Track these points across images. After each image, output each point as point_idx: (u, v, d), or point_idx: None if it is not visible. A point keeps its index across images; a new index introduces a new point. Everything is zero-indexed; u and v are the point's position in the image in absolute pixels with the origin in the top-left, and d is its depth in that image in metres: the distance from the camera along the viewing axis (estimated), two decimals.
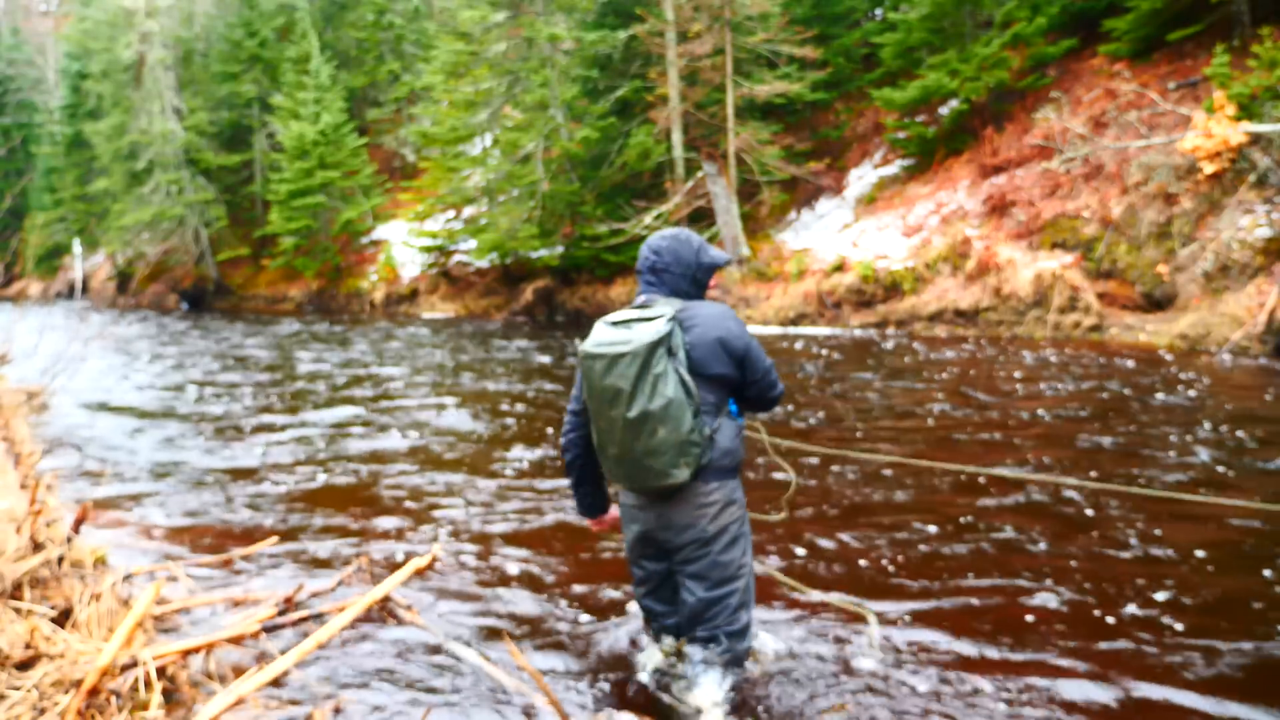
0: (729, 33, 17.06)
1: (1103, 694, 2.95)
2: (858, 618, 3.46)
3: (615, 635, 3.44)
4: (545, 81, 18.93)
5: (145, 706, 2.62)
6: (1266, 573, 3.84)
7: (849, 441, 6.58)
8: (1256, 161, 10.96)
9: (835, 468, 5.89)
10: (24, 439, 5.45)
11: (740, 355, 2.78)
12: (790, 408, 7.97)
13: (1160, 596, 3.65)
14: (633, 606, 3.55)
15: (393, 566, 4.18)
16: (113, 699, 2.58)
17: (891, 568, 4.11)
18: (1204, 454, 5.76)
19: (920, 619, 3.53)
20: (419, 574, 3.97)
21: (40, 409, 7.80)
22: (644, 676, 3.08)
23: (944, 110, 17.27)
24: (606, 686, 3.10)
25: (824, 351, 11.77)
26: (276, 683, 3.02)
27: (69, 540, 3.50)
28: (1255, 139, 11.04)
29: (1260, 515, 4.48)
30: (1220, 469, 5.45)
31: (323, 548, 4.63)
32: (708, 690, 2.80)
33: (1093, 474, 5.41)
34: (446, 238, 22.43)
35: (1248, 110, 11.25)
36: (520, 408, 8.75)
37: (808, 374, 9.88)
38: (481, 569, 4.27)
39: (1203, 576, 3.86)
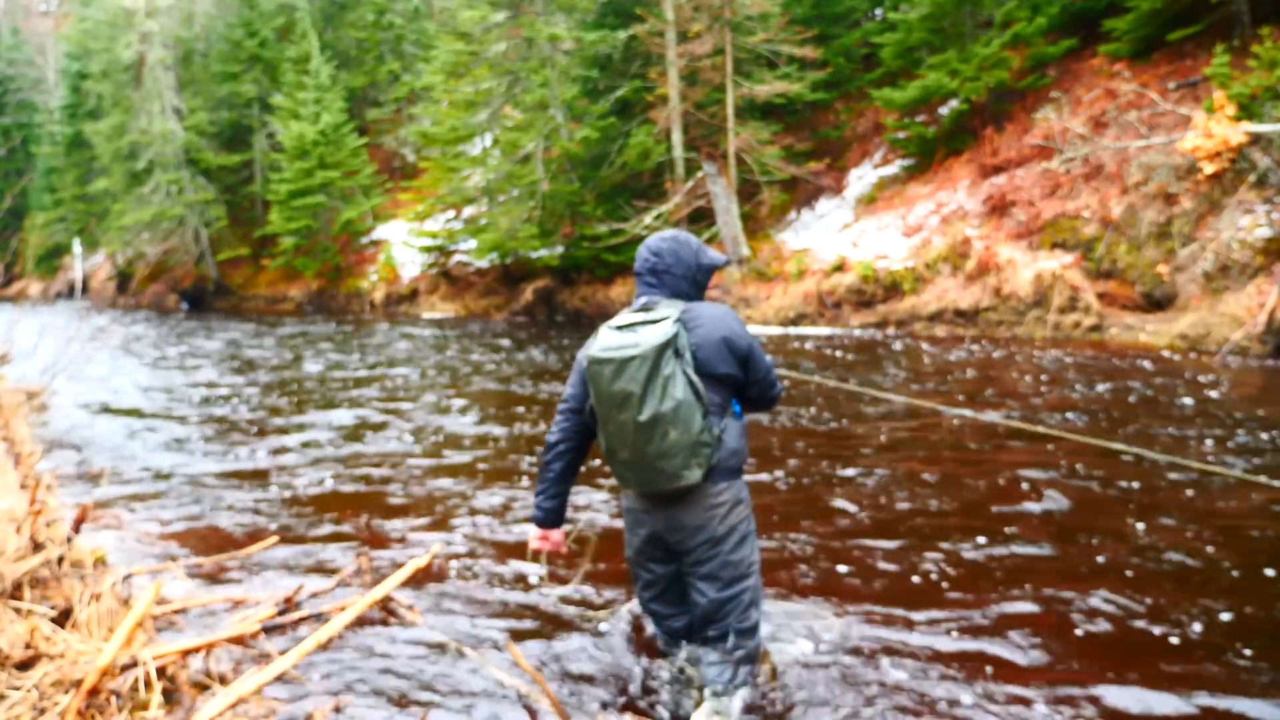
0: (729, 33, 17.07)
1: (1163, 703, 2.87)
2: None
3: (616, 637, 3.44)
4: (545, 81, 18.93)
5: (145, 706, 2.62)
6: None
7: (892, 450, 6.56)
8: (1256, 161, 10.96)
9: (880, 470, 5.79)
10: (24, 439, 5.45)
11: (744, 355, 2.80)
12: (819, 413, 7.96)
13: (1225, 616, 3.49)
14: (634, 607, 3.55)
15: (394, 567, 4.18)
16: (113, 699, 2.58)
17: (932, 576, 3.97)
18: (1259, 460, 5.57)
19: (965, 630, 3.42)
20: (419, 574, 3.98)
21: (40, 409, 7.80)
22: (646, 678, 3.07)
23: (944, 110, 17.27)
24: (607, 687, 3.10)
25: (839, 354, 11.65)
26: (276, 682, 3.02)
27: (69, 540, 3.50)
28: (1255, 139, 11.04)
29: None
30: None
31: (323, 549, 4.63)
32: (720, 689, 2.79)
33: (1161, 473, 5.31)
34: (446, 238, 22.43)
35: (1248, 110, 11.25)
36: (523, 409, 8.75)
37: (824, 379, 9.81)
38: (482, 570, 4.27)
39: (1264, 585, 3.70)
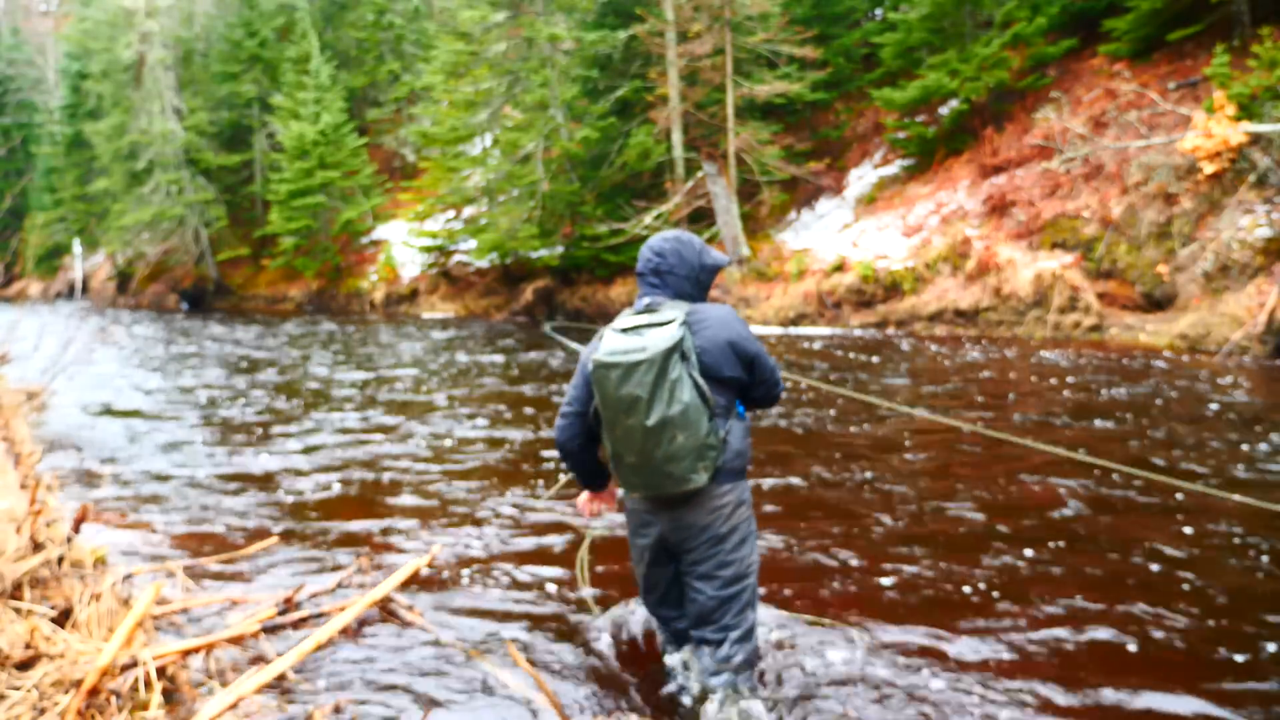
0: (729, 33, 17.06)
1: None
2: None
3: (616, 637, 3.44)
4: (545, 81, 18.93)
5: (145, 706, 2.62)
6: None
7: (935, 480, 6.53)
8: (1256, 161, 10.96)
9: (903, 476, 5.71)
10: (24, 439, 5.45)
11: (750, 357, 2.79)
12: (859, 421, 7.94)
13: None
14: (633, 608, 3.55)
15: (395, 569, 4.18)
16: (113, 699, 2.58)
17: (965, 589, 3.84)
18: None
19: (1010, 647, 3.31)
20: (419, 574, 3.98)
21: (40, 409, 7.80)
22: (646, 679, 3.07)
23: (944, 110, 17.27)
24: (607, 688, 3.10)
25: (851, 354, 11.54)
26: (276, 682, 3.02)
27: (69, 540, 3.50)
28: (1255, 139, 11.04)
29: None
30: None
31: (324, 550, 4.63)
32: (723, 691, 2.78)
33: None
34: (446, 238, 22.44)
35: (1248, 110, 11.25)
36: (531, 410, 8.74)
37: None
38: (483, 571, 4.26)
39: None
